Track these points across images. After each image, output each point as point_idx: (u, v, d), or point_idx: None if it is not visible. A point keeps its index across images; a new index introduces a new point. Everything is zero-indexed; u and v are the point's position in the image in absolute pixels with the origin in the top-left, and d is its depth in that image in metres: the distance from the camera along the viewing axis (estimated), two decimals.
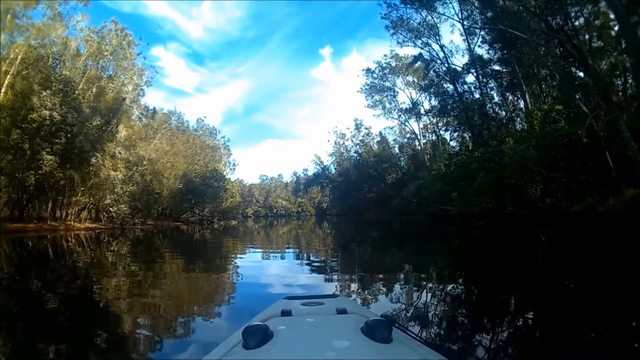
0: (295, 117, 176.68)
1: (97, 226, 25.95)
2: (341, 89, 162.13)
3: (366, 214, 46.07)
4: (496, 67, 29.60)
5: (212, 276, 6.44)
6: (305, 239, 16.46)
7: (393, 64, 49.38)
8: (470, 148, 21.72)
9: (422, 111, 48.15)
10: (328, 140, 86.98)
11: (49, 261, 9.43)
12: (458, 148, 23.17)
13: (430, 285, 5.09)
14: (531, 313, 3.69)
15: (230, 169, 63.29)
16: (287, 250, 11.06)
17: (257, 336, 1.15)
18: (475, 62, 30.34)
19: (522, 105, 31.87)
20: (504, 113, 30.64)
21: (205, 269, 7.61)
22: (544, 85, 27.43)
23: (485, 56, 30.18)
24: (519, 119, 29.98)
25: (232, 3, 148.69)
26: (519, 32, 17.51)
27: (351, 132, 61.47)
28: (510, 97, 30.52)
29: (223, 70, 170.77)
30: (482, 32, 29.43)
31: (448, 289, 4.83)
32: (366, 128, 60.06)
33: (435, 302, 4.08)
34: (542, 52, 19.31)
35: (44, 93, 20.72)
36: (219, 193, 47.68)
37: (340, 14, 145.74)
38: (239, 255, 10.20)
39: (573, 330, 3.00)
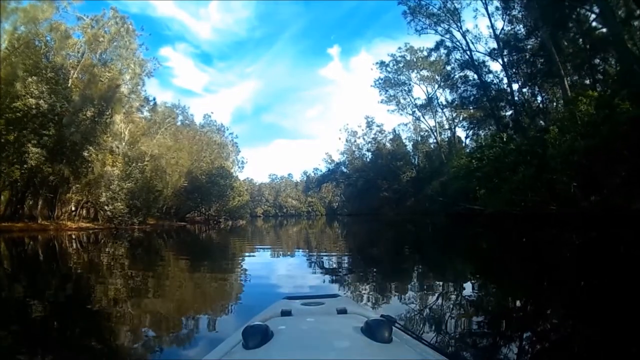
0: (305, 116, 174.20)
1: (91, 226, 24.06)
2: (350, 89, 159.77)
3: (385, 213, 43.66)
4: (527, 52, 26.84)
5: (212, 277, 6.34)
6: (315, 239, 15.70)
7: (408, 57, 47.05)
8: (504, 139, 19.08)
9: (439, 105, 45.88)
10: (339, 138, 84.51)
11: None
12: (490, 140, 20.47)
13: (431, 286, 5.07)
14: (537, 317, 3.58)
15: (239, 167, 61.26)
16: (294, 253, 10.61)
17: (257, 336, 1.13)
18: (502, 47, 27.73)
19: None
20: (543, 98, 27.85)
21: (207, 271, 7.39)
22: (575, 77, 24.91)
23: (513, 42, 27.49)
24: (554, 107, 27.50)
25: (239, 3, 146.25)
26: None
27: (362, 130, 59.11)
28: (543, 85, 27.73)
29: (231, 70, 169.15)
30: (514, 12, 26.87)
31: (449, 290, 4.76)
32: (378, 125, 57.70)
33: (436, 303, 4.02)
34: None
35: (29, 79, 18.81)
36: (225, 191, 45.47)
37: (348, 13, 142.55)
38: (243, 258, 9.61)
39: (588, 341, 2.80)
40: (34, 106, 18.89)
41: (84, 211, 28.29)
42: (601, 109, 14.42)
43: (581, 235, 11.57)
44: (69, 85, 22.51)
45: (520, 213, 16.78)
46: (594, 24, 22.64)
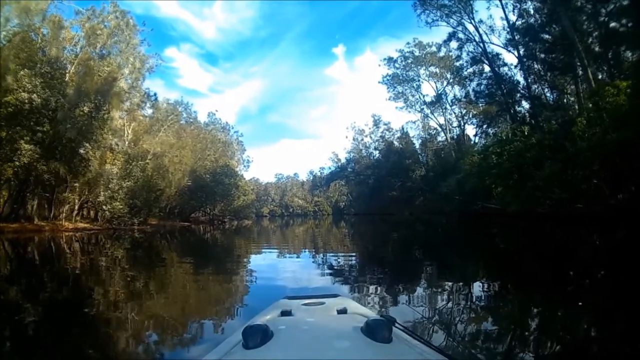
0: (310, 116, 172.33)
1: (88, 227, 23.13)
2: (355, 88, 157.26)
3: (394, 212, 42.30)
4: (545, 43, 25.41)
5: (214, 280, 6.17)
6: (321, 240, 15.20)
7: (417, 53, 45.91)
8: (525, 133, 17.78)
9: (448, 102, 44.67)
10: (346, 137, 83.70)
11: None
12: (510, 134, 19.11)
13: (432, 287, 4.99)
14: (542, 319, 3.50)
15: (244, 166, 60.38)
16: (300, 254, 10.27)
17: (257, 336, 1.12)
18: (519, 38, 26.36)
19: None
20: (554, 96, 26.43)
21: (210, 273, 7.10)
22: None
23: (531, 31, 26.09)
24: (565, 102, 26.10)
25: (243, 3, 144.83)
26: None
27: (370, 128, 57.94)
28: (561, 78, 26.27)
29: (236, 71, 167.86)
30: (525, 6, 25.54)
31: (449, 291, 4.66)
32: (385, 124, 56.51)
33: (436, 303, 3.99)
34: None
35: (22, 72, 17.91)
36: (230, 190, 44.37)
37: (352, 12, 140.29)
38: (248, 259, 9.35)
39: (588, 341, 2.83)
40: (26, 101, 17.99)
41: (84, 211, 27.47)
42: (637, 98, 13.13)
43: (607, 235, 10.75)
44: (66, 79, 21.64)
45: (544, 211, 15.47)
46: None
